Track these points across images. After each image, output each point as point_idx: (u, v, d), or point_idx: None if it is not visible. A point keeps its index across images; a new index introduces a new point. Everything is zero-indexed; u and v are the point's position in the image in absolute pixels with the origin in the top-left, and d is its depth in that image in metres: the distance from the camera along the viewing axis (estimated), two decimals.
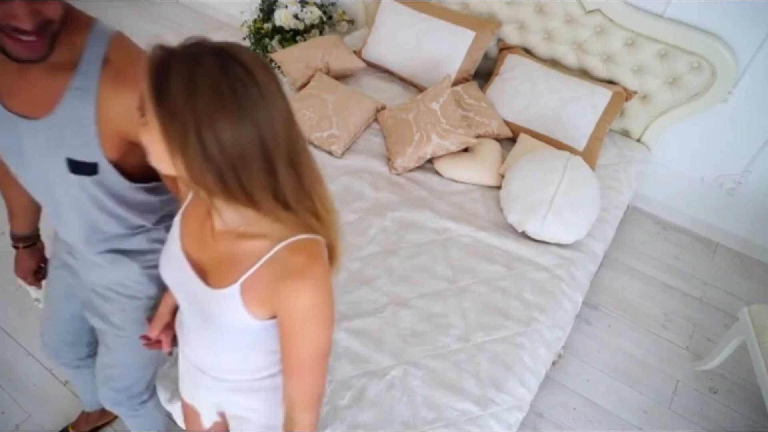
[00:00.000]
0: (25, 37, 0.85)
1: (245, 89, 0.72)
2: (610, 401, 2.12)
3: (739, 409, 2.12)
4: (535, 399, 1.98)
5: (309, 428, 0.93)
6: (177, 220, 0.97)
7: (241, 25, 3.17)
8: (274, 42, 2.98)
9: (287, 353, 0.89)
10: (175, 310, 1.15)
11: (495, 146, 2.26)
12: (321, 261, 0.85)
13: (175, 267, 0.94)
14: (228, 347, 0.97)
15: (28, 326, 2.22)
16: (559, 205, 1.91)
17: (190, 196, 0.96)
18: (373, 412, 1.49)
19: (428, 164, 2.23)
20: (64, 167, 1.01)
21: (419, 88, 2.57)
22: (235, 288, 0.85)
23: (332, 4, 3.14)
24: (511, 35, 2.54)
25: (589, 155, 2.24)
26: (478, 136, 2.28)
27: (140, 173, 1.07)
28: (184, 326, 1.05)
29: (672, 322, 2.38)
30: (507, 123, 2.36)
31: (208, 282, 0.90)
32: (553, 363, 2.12)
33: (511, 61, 2.45)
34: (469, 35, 2.46)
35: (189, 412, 1.19)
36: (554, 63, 2.48)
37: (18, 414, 1.98)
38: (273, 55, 2.56)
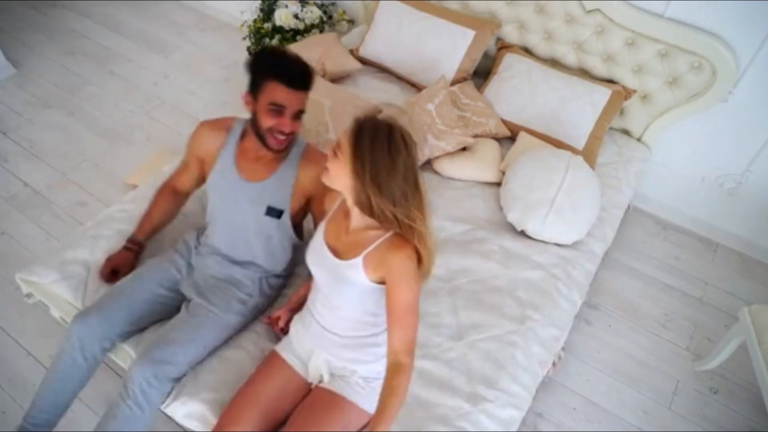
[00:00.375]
0: (282, 137, 1.54)
1: (398, 150, 1.24)
2: (610, 401, 2.12)
3: (739, 410, 2.12)
4: (535, 399, 1.98)
5: (411, 370, 1.27)
6: (322, 225, 1.49)
7: (241, 25, 3.17)
8: (274, 42, 2.98)
9: (392, 304, 1.29)
10: (300, 302, 1.62)
11: (494, 145, 2.25)
12: (411, 246, 1.31)
13: (317, 252, 1.44)
14: (349, 308, 1.40)
15: (28, 326, 2.23)
16: (561, 205, 1.91)
17: (331, 213, 1.50)
18: None
19: (427, 164, 2.23)
20: (262, 211, 1.63)
21: (418, 87, 2.57)
22: (359, 259, 1.34)
23: (332, 4, 3.14)
24: (511, 35, 2.54)
25: (589, 154, 2.24)
26: (476, 136, 2.28)
27: (297, 224, 1.74)
28: (318, 300, 1.47)
29: (672, 322, 2.38)
30: (505, 122, 2.36)
31: (340, 258, 1.38)
32: (554, 364, 2.12)
33: (509, 60, 2.45)
34: (469, 34, 2.46)
35: (281, 375, 1.48)
36: (554, 63, 2.48)
37: (18, 414, 1.98)
38: None
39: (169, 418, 1.61)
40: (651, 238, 2.71)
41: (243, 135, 1.67)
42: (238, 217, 1.67)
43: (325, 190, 1.50)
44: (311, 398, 1.44)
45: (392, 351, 1.28)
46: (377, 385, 1.34)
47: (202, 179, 1.77)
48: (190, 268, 1.73)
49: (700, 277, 2.56)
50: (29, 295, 1.85)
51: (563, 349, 2.13)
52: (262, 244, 1.69)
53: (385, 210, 1.27)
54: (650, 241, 2.69)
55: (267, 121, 1.51)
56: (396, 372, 1.25)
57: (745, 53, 2.12)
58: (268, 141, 1.55)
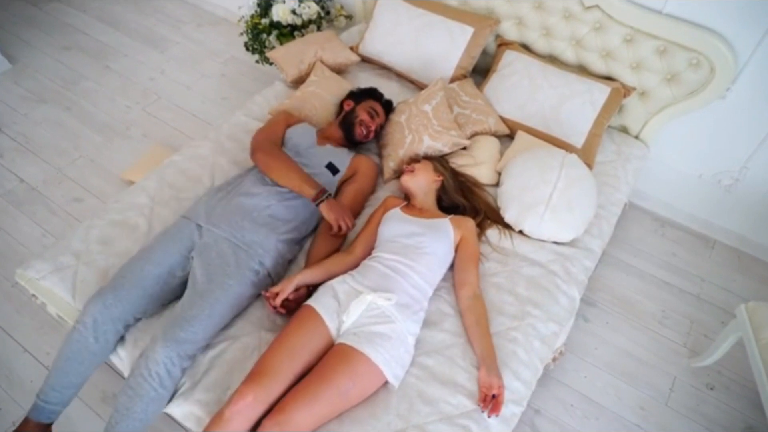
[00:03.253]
0: (365, 131, 2.12)
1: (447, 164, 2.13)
2: (607, 398, 2.12)
3: (735, 406, 2.13)
4: (533, 395, 1.98)
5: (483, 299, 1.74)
6: (398, 210, 1.88)
7: (239, 21, 3.16)
8: (272, 37, 2.96)
9: (469, 251, 1.79)
10: (300, 294, 1.70)
11: (494, 143, 2.25)
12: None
13: (404, 220, 1.81)
14: (437, 253, 1.73)
15: (24, 323, 2.22)
16: (557, 203, 1.90)
17: (402, 204, 1.93)
18: (368, 405, 1.50)
19: None
20: (323, 164, 1.99)
21: (417, 85, 2.56)
22: (447, 219, 1.84)
23: (330, 0, 3.12)
24: (510, 31, 2.53)
25: (588, 152, 2.24)
26: (475, 134, 2.27)
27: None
28: (393, 251, 1.71)
29: (669, 319, 2.39)
30: (505, 120, 2.35)
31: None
32: (554, 359, 2.12)
33: (509, 56, 2.44)
34: (468, 31, 2.45)
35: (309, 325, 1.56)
36: (553, 59, 2.47)
37: (15, 411, 1.98)
38: (268, 54, 2.55)
39: (169, 415, 1.61)
40: (648, 234, 2.71)
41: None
42: (299, 162, 1.95)
43: (363, 179, 2.04)
44: (327, 354, 1.51)
45: (471, 285, 1.73)
46: (391, 347, 1.51)
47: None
48: (199, 229, 1.76)
49: (697, 273, 2.57)
50: (35, 296, 1.85)
51: (564, 344, 2.14)
52: (307, 210, 1.87)
53: (456, 189, 1.98)
54: (648, 238, 2.69)
55: (362, 115, 2.12)
56: (480, 300, 1.71)
57: (743, 50, 2.12)
58: (355, 130, 2.11)
